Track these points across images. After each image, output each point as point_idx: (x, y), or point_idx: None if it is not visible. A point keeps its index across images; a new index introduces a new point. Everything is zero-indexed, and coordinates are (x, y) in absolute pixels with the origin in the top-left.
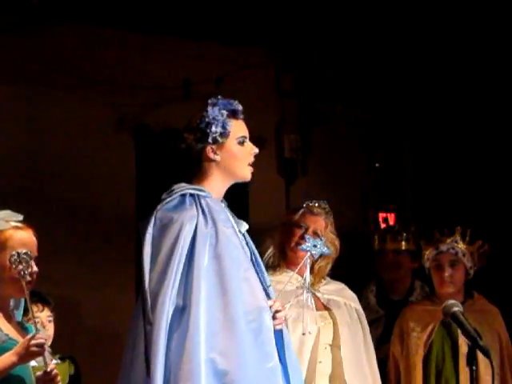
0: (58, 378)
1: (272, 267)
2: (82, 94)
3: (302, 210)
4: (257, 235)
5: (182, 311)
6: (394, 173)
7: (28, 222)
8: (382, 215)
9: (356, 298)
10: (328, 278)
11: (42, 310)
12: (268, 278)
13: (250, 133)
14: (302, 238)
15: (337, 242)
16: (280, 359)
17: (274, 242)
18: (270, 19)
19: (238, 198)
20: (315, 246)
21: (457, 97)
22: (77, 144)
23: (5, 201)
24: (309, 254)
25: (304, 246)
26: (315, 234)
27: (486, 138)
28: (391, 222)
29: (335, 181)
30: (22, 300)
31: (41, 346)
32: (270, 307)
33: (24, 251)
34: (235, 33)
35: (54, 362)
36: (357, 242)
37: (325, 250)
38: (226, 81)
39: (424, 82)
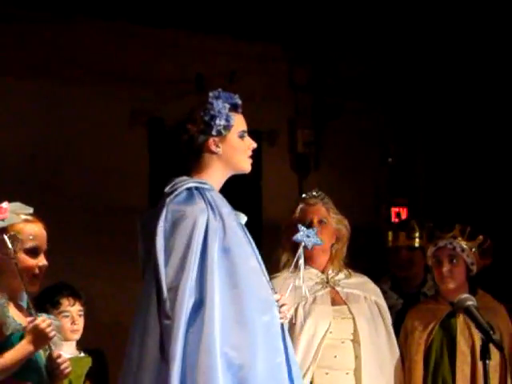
0: (65, 365)
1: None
2: (94, 88)
3: (299, 207)
4: (270, 230)
5: (199, 305)
6: (406, 167)
7: (42, 215)
8: (394, 210)
9: (379, 292)
10: (351, 271)
11: (73, 304)
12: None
13: (263, 127)
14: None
15: (345, 222)
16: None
17: (286, 247)
18: (283, 13)
19: (250, 193)
20: (308, 236)
21: (470, 93)
22: (90, 138)
23: (19, 195)
24: (303, 244)
25: (299, 236)
26: (322, 223)
27: (499, 132)
28: (403, 217)
29: (348, 175)
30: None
31: (49, 325)
32: (277, 301)
33: (9, 234)
34: (248, 27)
35: (82, 355)
36: (369, 237)
37: (317, 240)
38: (238, 75)
39: (437, 77)
